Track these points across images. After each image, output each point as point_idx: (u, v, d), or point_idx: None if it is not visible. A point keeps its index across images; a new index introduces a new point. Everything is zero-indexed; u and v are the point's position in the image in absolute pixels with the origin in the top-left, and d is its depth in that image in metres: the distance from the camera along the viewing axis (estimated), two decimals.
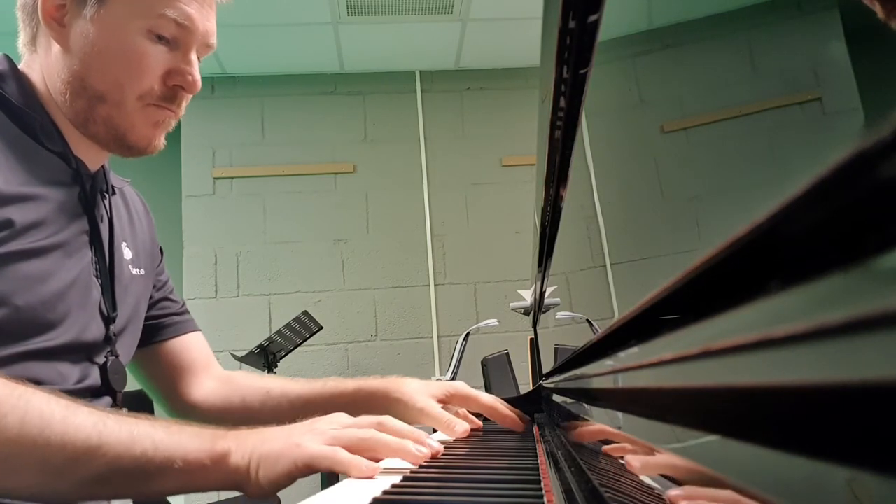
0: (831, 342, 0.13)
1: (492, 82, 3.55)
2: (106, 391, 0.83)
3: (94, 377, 0.81)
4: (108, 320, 0.84)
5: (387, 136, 3.48)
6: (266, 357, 2.69)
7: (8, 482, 0.57)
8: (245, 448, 0.64)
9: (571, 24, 0.48)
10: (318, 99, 3.47)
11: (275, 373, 2.71)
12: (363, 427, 0.68)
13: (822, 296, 0.14)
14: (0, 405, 0.56)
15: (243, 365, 2.63)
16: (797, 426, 0.15)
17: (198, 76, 0.84)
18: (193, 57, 0.84)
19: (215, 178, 3.36)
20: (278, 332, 2.67)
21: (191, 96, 0.85)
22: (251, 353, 2.66)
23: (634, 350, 0.36)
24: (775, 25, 0.20)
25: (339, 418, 0.70)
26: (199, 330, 1.09)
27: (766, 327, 0.16)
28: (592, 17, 0.47)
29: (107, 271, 0.85)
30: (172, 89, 0.82)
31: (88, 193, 0.83)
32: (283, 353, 2.77)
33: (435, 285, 3.37)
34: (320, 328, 2.84)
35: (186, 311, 1.09)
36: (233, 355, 2.74)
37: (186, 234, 3.30)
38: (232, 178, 3.37)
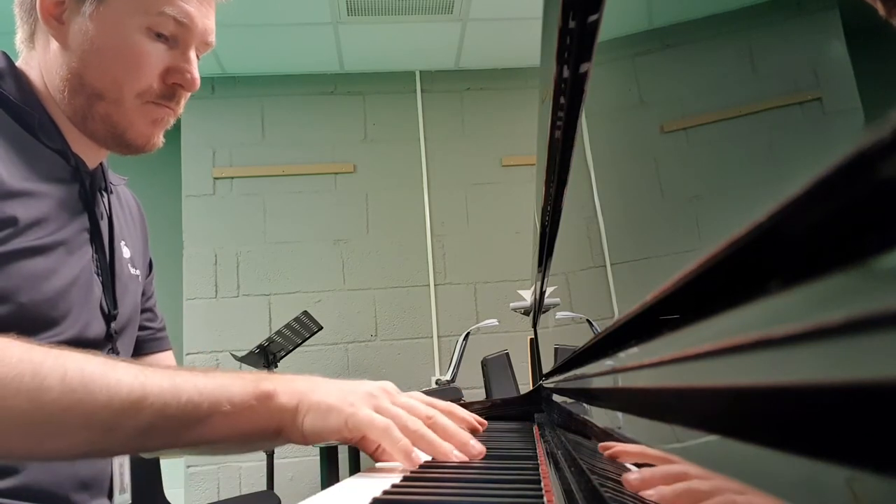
0: (831, 342, 0.13)
1: (492, 82, 3.55)
2: None
3: None
4: (109, 318, 0.83)
5: (387, 136, 3.48)
6: (266, 357, 2.69)
7: (58, 443, 0.57)
8: (292, 391, 0.64)
9: (571, 24, 0.48)
10: (318, 99, 3.47)
11: (275, 373, 2.72)
12: (417, 415, 0.67)
13: (822, 296, 0.14)
14: (39, 367, 0.55)
15: (243, 365, 2.64)
16: (797, 426, 0.15)
17: (197, 74, 0.84)
18: (192, 55, 0.83)
19: (215, 178, 3.36)
20: (278, 332, 2.67)
21: (189, 94, 0.85)
22: (251, 353, 2.66)
23: (634, 350, 0.36)
24: (775, 25, 0.20)
25: (393, 394, 0.69)
26: (171, 349, 1.08)
27: (766, 327, 0.16)
28: (592, 17, 0.47)
29: (108, 269, 0.84)
30: (171, 87, 0.81)
31: (88, 191, 0.82)
32: (283, 353, 2.77)
33: (435, 285, 3.37)
34: (320, 328, 2.84)
35: (165, 328, 1.08)
36: (233, 355, 2.74)
37: (186, 234, 3.30)
38: (232, 178, 3.37)
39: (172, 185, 3.39)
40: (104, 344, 0.82)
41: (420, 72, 3.54)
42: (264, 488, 2.73)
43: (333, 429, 0.63)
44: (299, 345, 2.82)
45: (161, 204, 3.53)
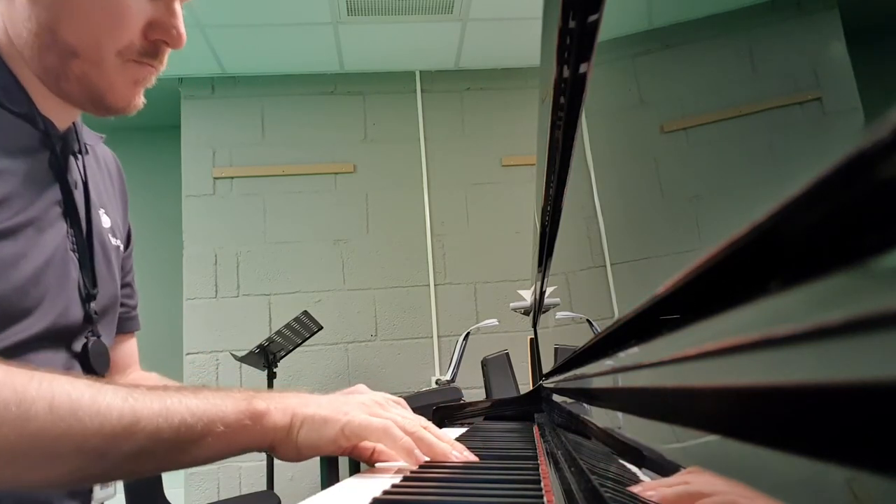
0: (831, 342, 0.13)
1: (492, 82, 3.55)
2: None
3: (76, 362, 0.75)
4: (88, 298, 0.76)
5: (387, 136, 3.48)
6: (266, 357, 2.69)
7: (48, 471, 0.54)
8: (284, 408, 0.63)
9: (571, 24, 0.48)
10: (318, 99, 3.47)
11: (275, 373, 2.72)
12: (410, 417, 0.68)
13: (822, 296, 0.14)
14: (24, 394, 0.51)
15: (243, 365, 2.63)
16: (797, 426, 0.15)
17: (183, 29, 0.74)
18: (177, 7, 0.73)
19: (215, 178, 3.36)
20: (278, 332, 2.67)
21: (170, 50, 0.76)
22: (251, 353, 2.66)
23: (634, 350, 0.36)
24: (775, 25, 0.20)
25: (385, 405, 0.71)
26: (140, 328, 1.01)
27: (766, 327, 0.16)
28: (592, 17, 0.47)
29: (84, 244, 0.77)
30: (154, 44, 0.72)
31: (59, 157, 0.74)
32: (283, 353, 2.77)
33: (435, 285, 3.37)
34: (320, 328, 2.84)
35: (137, 304, 1.00)
36: (233, 355, 2.74)
37: (186, 234, 3.30)
38: (232, 178, 3.37)
39: (172, 185, 3.39)
40: (83, 328, 0.76)
41: (420, 72, 3.54)
42: (264, 488, 2.73)
43: (329, 439, 0.63)
44: (299, 345, 2.82)
45: (161, 204, 3.54)
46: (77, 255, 0.76)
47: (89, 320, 0.77)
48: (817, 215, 0.14)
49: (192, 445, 0.59)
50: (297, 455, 0.64)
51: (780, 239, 0.17)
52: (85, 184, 0.80)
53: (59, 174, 0.74)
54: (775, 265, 0.17)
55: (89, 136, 0.87)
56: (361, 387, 0.80)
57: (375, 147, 3.47)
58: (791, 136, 0.18)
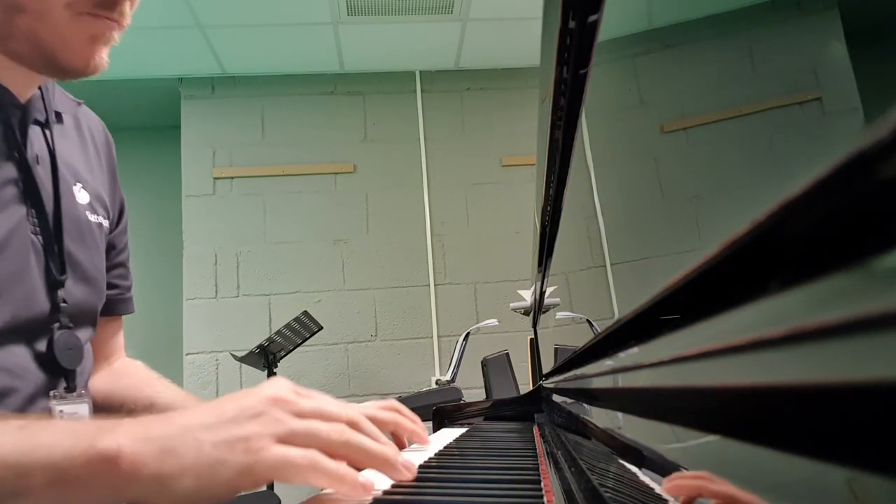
0: (831, 342, 0.13)
1: (492, 82, 3.55)
2: (54, 372, 0.69)
3: (43, 358, 0.68)
4: (54, 285, 0.69)
5: (387, 136, 3.48)
6: (266, 357, 2.69)
7: None
8: (150, 447, 0.43)
9: (571, 24, 0.48)
10: (318, 99, 3.47)
11: (275, 373, 2.72)
12: (335, 419, 0.49)
13: (822, 296, 0.14)
14: None
15: (243, 365, 2.63)
16: (797, 426, 0.15)
17: None
18: None
19: (215, 178, 3.36)
20: (278, 332, 2.67)
21: (136, 1, 0.68)
22: (251, 353, 2.66)
23: (634, 350, 0.36)
24: (775, 25, 0.20)
25: (290, 400, 0.48)
26: (133, 311, 0.93)
27: (766, 327, 0.16)
28: (592, 17, 0.47)
29: (49, 226, 0.70)
30: None
31: (17, 130, 0.67)
32: (283, 353, 2.77)
33: (435, 285, 3.37)
34: (320, 328, 2.84)
35: (132, 286, 0.92)
36: (233, 355, 2.74)
37: (186, 234, 3.30)
38: (232, 178, 3.36)
39: (172, 185, 3.39)
40: (50, 319, 0.69)
41: (420, 72, 3.54)
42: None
43: (225, 483, 0.43)
44: (299, 345, 2.82)
45: (161, 204, 3.54)
46: (41, 237, 0.69)
47: (56, 310, 0.69)
48: (817, 215, 0.14)
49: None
50: None
51: (780, 239, 0.17)
52: (52, 157, 0.72)
53: (16, 149, 0.67)
54: (775, 265, 0.17)
55: (65, 103, 0.79)
56: (282, 385, 0.51)
57: (375, 147, 3.47)
58: (791, 136, 0.18)
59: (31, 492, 0.42)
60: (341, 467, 0.45)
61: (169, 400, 0.86)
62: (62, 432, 0.44)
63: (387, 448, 0.50)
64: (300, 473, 0.44)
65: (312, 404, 0.49)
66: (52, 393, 0.70)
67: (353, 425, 0.49)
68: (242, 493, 0.46)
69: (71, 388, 0.71)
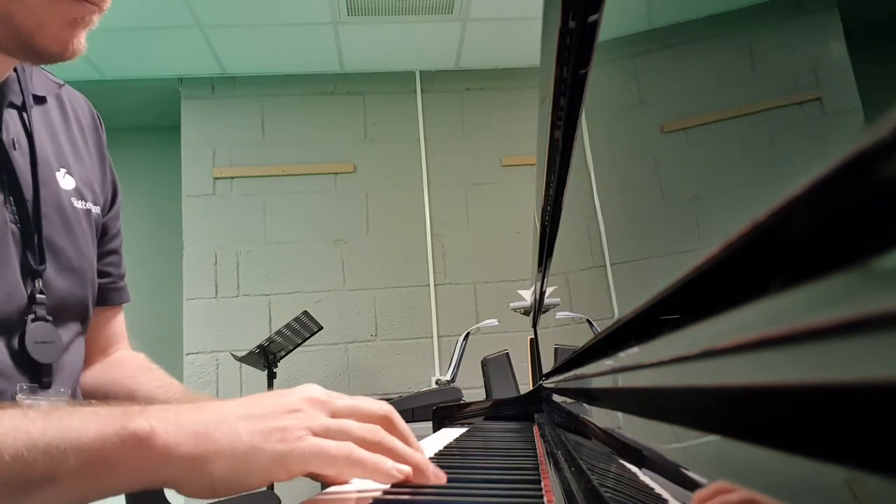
0: (831, 342, 0.13)
1: (492, 82, 3.55)
2: (28, 367, 0.66)
3: (16, 352, 0.65)
4: (31, 275, 0.67)
5: (387, 136, 3.48)
6: (266, 357, 2.69)
7: None
8: (183, 430, 0.44)
9: (571, 24, 0.48)
10: (318, 99, 3.47)
11: (275, 373, 2.72)
12: (370, 418, 0.50)
13: (822, 296, 0.14)
14: None
15: (243, 365, 2.63)
16: (797, 426, 0.15)
17: None
18: None
19: (215, 178, 3.36)
20: (278, 332, 2.67)
21: None
22: (251, 353, 2.66)
23: (634, 350, 0.36)
24: (775, 25, 0.20)
25: (327, 401, 0.50)
26: (129, 300, 0.90)
27: (766, 327, 0.16)
28: (592, 17, 0.47)
29: (28, 213, 0.67)
30: None
31: None
32: (283, 353, 2.77)
33: (435, 285, 3.37)
34: (320, 328, 2.84)
35: (125, 275, 0.89)
36: (233, 355, 2.74)
37: (186, 234, 3.30)
38: (232, 178, 3.37)
39: (172, 185, 3.39)
40: (26, 312, 0.66)
41: (420, 72, 3.54)
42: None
43: (261, 471, 0.44)
44: (299, 345, 2.82)
45: (161, 204, 3.54)
46: (19, 226, 0.66)
47: (32, 300, 0.66)
48: (817, 215, 0.14)
49: (31, 491, 0.41)
50: (210, 493, 0.45)
51: (780, 239, 0.17)
52: (31, 142, 0.69)
53: None
54: (775, 265, 0.17)
55: (45, 85, 0.75)
56: (316, 389, 0.54)
57: (375, 147, 3.47)
58: (791, 136, 0.18)
59: (65, 475, 0.42)
60: (377, 458, 0.47)
61: (149, 392, 0.83)
62: (89, 416, 0.44)
63: (417, 453, 0.51)
64: (335, 464, 0.45)
65: (347, 403, 0.51)
66: (19, 386, 0.66)
67: (386, 424, 0.51)
68: (244, 493, 0.47)
69: (46, 385, 0.68)
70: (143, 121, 3.68)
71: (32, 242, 0.67)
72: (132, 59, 3.12)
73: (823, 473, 0.13)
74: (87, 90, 0.88)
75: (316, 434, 0.47)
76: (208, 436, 0.44)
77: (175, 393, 0.84)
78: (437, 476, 0.51)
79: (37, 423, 0.43)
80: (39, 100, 0.74)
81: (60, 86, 0.79)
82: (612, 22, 0.44)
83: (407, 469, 0.49)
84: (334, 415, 0.49)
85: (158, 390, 0.83)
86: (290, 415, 0.47)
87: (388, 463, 0.47)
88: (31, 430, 0.42)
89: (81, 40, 0.63)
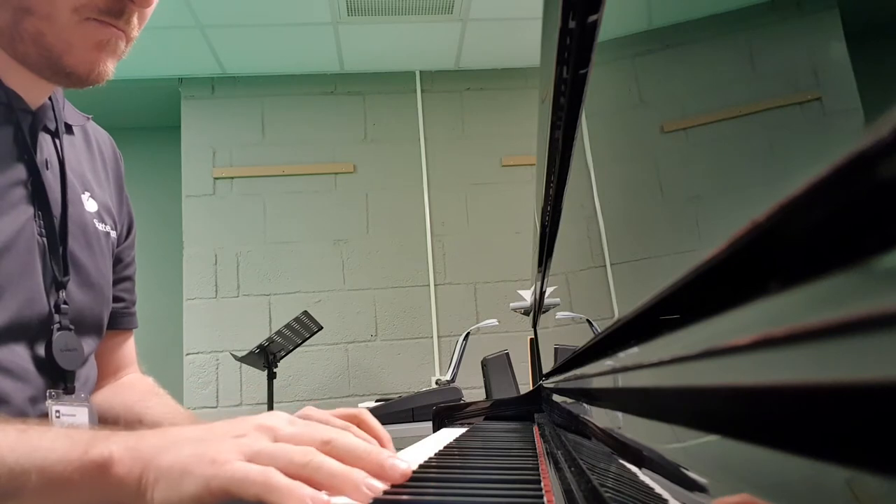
0: (831, 342, 0.13)
1: (492, 82, 3.55)
2: (53, 373, 0.70)
3: (42, 359, 0.69)
4: (57, 286, 0.70)
5: (387, 136, 3.49)
6: (266, 357, 2.69)
7: None
8: (138, 456, 0.46)
9: (571, 24, 0.48)
10: (318, 99, 3.47)
11: (275, 373, 2.72)
12: (309, 442, 0.48)
13: (822, 296, 0.14)
14: None
15: (243, 365, 2.63)
16: (797, 426, 0.15)
17: None
18: None
19: (215, 178, 3.36)
20: (278, 332, 2.67)
21: (146, 12, 0.68)
22: (251, 353, 2.66)
23: (634, 350, 0.36)
24: (775, 25, 0.20)
25: (276, 427, 0.50)
26: (137, 326, 0.94)
27: (766, 327, 0.16)
28: (592, 17, 0.47)
29: (55, 228, 0.71)
30: (118, 1, 0.64)
31: (27, 134, 0.69)
32: (283, 354, 2.77)
33: (435, 285, 3.37)
34: (320, 328, 2.84)
35: (135, 302, 0.93)
36: (233, 355, 2.74)
37: (186, 234, 3.30)
38: (232, 178, 3.37)
39: (172, 185, 3.39)
40: (50, 320, 0.70)
41: (420, 72, 3.54)
42: None
43: (189, 496, 0.44)
44: (299, 345, 2.82)
45: (161, 204, 3.54)
46: (46, 240, 0.70)
47: (57, 310, 0.70)
48: (817, 215, 0.14)
49: None
50: None
51: (779, 239, 0.17)
52: (61, 164, 0.73)
53: (26, 152, 0.69)
54: (775, 265, 0.17)
55: (74, 116, 0.81)
56: (277, 416, 0.53)
57: (375, 147, 3.47)
58: (791, 136, 0.18)
59: (26, 493, 0.45)
60: (293, 484, 0.44)
61: (157, 417, 0.86)
62: (60, 438, 0.47)
63: (352, 471, 0.47)
64: (254, 488, 0.44)
65: (292, 430, 0.50)
66: (48, 392, 0.70)
67: (327, 446, 0.49)
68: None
69: (70, 391, 0.72)
70: (143, 121, 3.68)
71: (58, 255, 0.71)
72: (132, 59, 3.11)
73: (824, 474, 0.13)
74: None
75: (246, 458, 0.46)
76: (156, 459, 0.45)
77: (180, 418, 0.87)
78: (371, 489, 0.47)
79: (8, 440, 0.46)
80: (68, 128, 0.78)
81: (87, 119, 0.85)
82: (612, 22, 0.44)
83: (324, 499, 0.44)
84: (277, 440, 0.48)
85: (166, 416, 0.86)
86: (232, 440, 0.47)
87: (304, 490, 0.44)
88: (1, 447, 0.45)
89: (108, 65, 0.67)
